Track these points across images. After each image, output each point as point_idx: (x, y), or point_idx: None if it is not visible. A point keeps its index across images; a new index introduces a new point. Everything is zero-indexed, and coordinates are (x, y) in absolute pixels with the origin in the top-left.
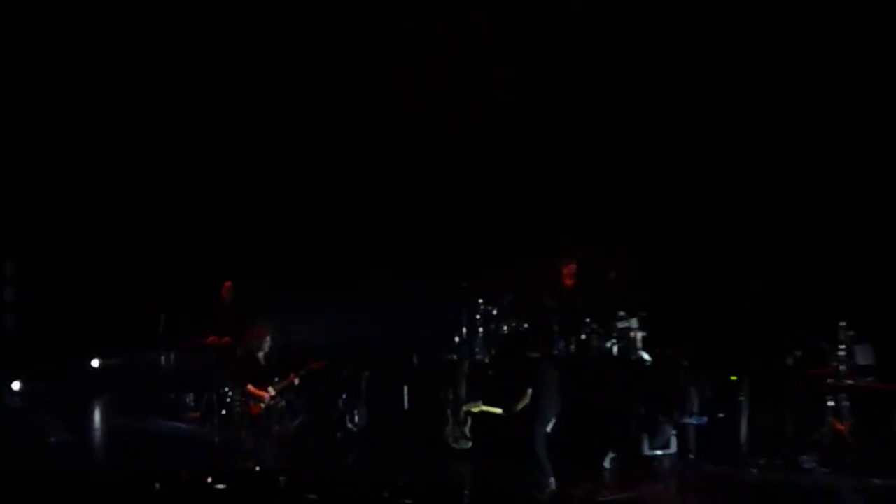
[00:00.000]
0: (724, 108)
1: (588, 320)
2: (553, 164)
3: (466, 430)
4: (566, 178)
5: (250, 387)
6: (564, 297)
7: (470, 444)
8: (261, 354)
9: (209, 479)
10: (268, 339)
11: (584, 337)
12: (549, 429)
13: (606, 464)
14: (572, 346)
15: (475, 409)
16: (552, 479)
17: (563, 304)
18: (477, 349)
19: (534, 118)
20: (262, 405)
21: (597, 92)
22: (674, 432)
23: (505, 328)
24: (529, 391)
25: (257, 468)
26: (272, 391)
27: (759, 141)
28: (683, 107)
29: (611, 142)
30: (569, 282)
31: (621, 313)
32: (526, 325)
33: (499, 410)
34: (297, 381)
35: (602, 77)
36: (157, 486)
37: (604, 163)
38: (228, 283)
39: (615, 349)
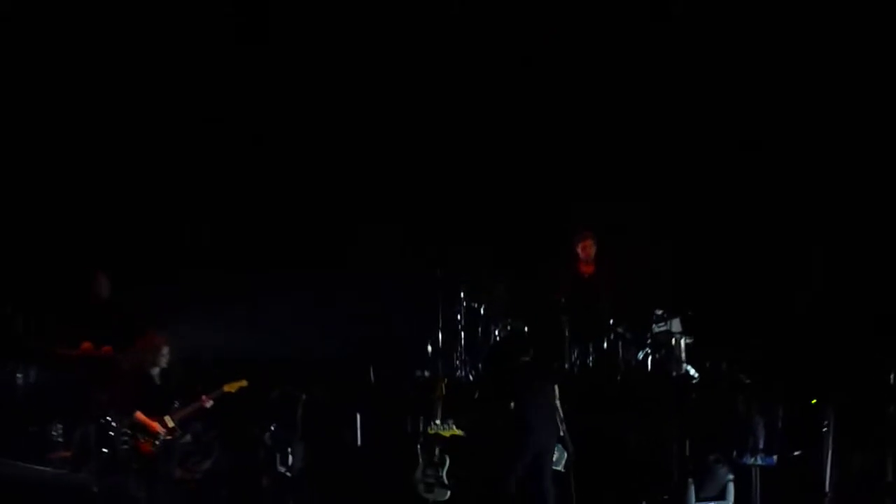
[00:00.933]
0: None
1: (612, 321)
2: (562, 114)
3: (443, 474)
4: (581, 130)
5: (139, 415)
6: (580, 289)
7: (448, 494)
8: (156, 371)
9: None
10: (165, 349)
11: (606, 344)
12: (561, 466)
13: None
14: (590, 357)
15: (431, 431)
16: None
17: (578, 298)
18: (458, 362)
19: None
20: (157, 441)
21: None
22: (731, 477)
23: (496, 332)
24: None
25: None
26: (171, 421)
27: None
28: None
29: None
30: (586, 268)
31: (659, 311)
32: (526, 329)
33: (459, 432)
34: (207, 406)
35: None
36: None
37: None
38: (99, 273)
39: (650, 361)
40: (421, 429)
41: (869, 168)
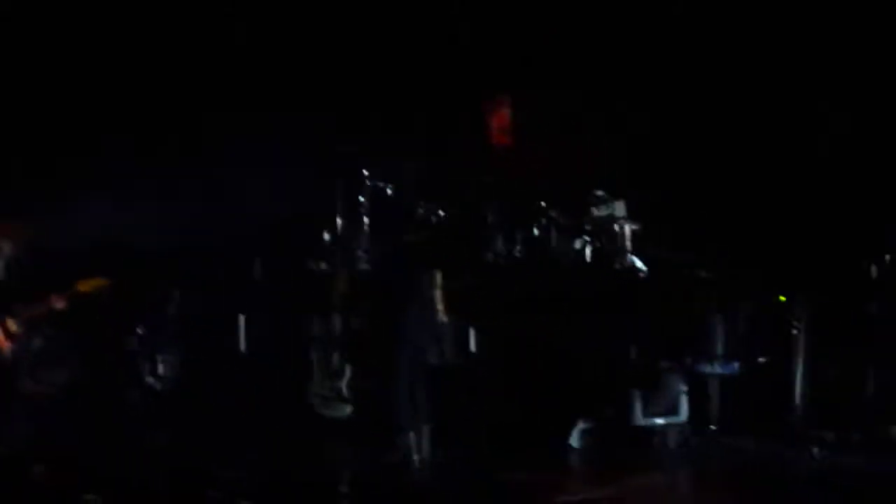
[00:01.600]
0: None
1: (543, 204)
2: None
3: (343, 385)
4: None
5: None
6: (502, 166)
7: (348, 409)
8: None
9: None
10: (7, 239)
11: (536, 232)
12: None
13: (574, 441)
14: (517, 248)
15: None
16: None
17: (501, 177)
18: (360, 253)
19: None
20: None
21: None
22: (684, 389)
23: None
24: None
25: None
26: (13, 325)
27: None
28: None
29: None
30: (502, 138)
31: (598, 193)
32: (442, 213)
33: None
34: (60, 307)
35: None
36: None
37: None
38: None
39: (588, 252)
40: (318, 333)
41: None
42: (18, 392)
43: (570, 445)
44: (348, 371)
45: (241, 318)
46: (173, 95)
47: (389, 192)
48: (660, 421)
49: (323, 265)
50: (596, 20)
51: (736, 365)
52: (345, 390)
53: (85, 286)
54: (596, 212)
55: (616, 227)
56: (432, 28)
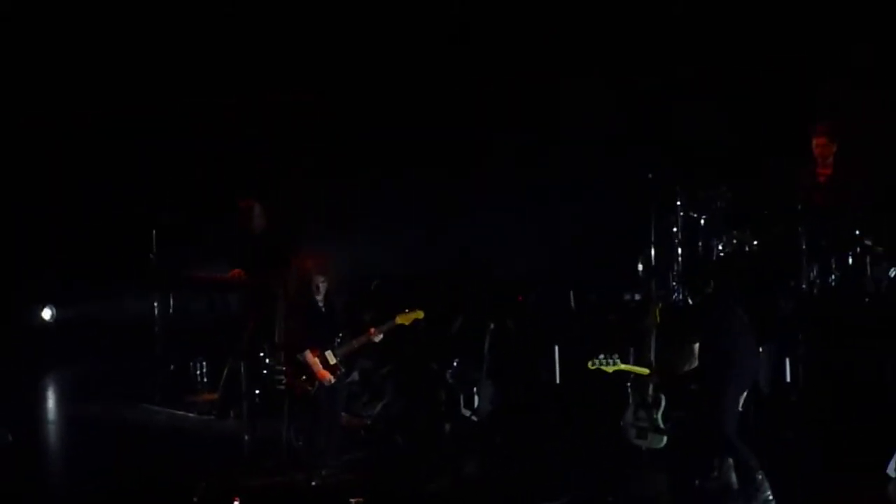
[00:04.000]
0: None
1: (858, 232)
2: None
3: (658, 416)
4: None
5: (309, 355)
6: (817, 194)
7: (664, 440)
8: (319, 299)
9: (235, 503)
10: (319, 276)
11: (851, 260)
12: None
13: (891, 471)
14: (833, 276)
15: (608, 369)
16: (760, 473)
17: (816, 204)
18: (675, 283)
19: None
20: (317, 381)
21: None
22: None
23: (720, 247)
24: (696, 347)
25: (314, 483)
26: (332, 357)
27: None
28: None
29: None
30: (822, 170)
31: None
32: (755, 243)
33: (643, 370)
34: (376, 340)
35: None
36: None
37: None
38: (254, 204)
39: None
40: (632, 362)
41: None
42: (336, 423)
43: (888, 475)
44: (663, 401)
45: (556, 349)
46: (497, 147)
47: (703, 221)
48: None
49: (637, 296)
50: None
51: None
52: (660, 421)
53: (404, 319)
54: None
55: None
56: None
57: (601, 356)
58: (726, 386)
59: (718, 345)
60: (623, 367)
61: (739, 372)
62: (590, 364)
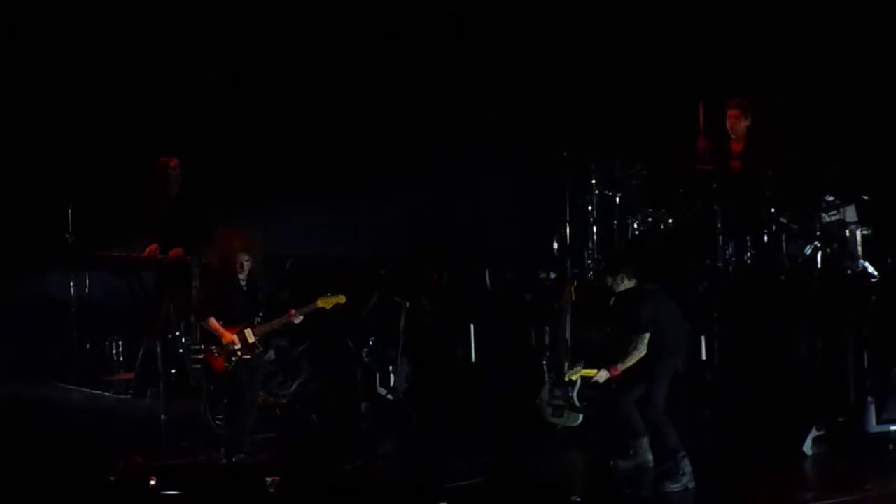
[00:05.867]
0: None
1: (773, 210)
2: None
3: (574, 395)
4: None
5: (212, 321)
6: (730, 172)
7: (580, 418)
8: (241, 277)
9: (152, 482)
10: (245, 254)
11: (766, 237)
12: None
13: (807, 448)
14: (749, 254)
15: (573, 377)
16: (682, 452)
17: (730, 182)
18: (590, 261)
19: None
20: (232, 357)
21: None
22: None
23: (636, 226)
24: (641, 339)
25: (230, 462)
26: (251, 335)
27: None
28: None
29: None
30: (735, 146)
31: (829, 198)
32: (670, 220)
33: (594, 373)
34: (296, 322)
35: None
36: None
37: None
38: (174, 161)
39: (819, 257)
40: (548, 341)
41: None
42: (253, 402)
43: (803, 452)
44: (579, 380)
45: (471, 328)
46: (404, 110)
47: (618, 199)
48: (893, 428)
49: (552, 273)
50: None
51: None
52: (575, 399)
53: (325, 303)
54: (826, 217)
55: (847, 232)
56: (657, 30)
57: (569, 368)
58: (658, 367)
59: (646, 324)
60: (583, 372)
61: (670, 353)
62: (565, 377)
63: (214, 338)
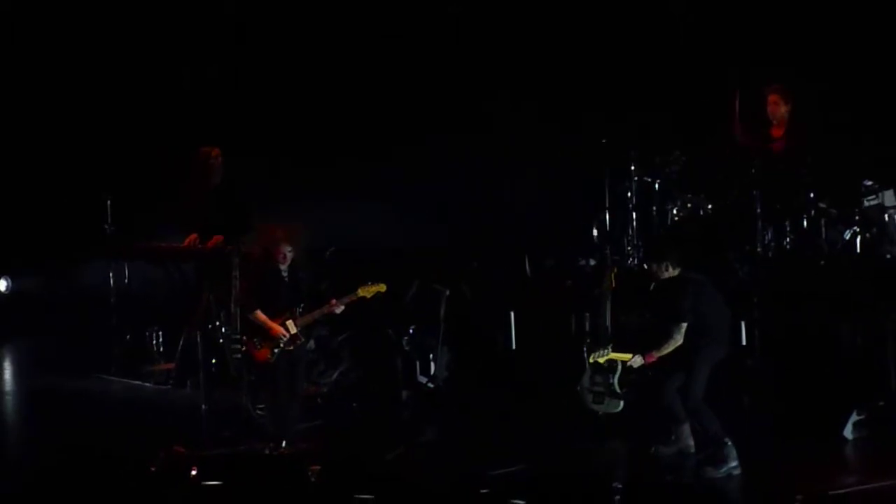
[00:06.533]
0: None
1: (812, 195)
2: None
3: (615, 382)
4: None
5: (259, 314)
6: (770, 157)
7: (621, 405)
8: (283, 268)
9: (193, 472)
10: (287, 245)
11: (806, 223)
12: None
13: (848, 433)
14: (787, 239)
15: (601, 360)
16: (728, 439)
17: (770, 167)
18: (630, 248)
19: None
20: (276, 349)
21: None
22: None
23: (675, 212)
24: (679, 328)
25: (272, 452)
26: (293, 326)
27: None
28: None
29: None
30: (775, 131)
31: (868, 182)
32: (710, 206)
33: (629, 357)
34: (337, 312)
35: None
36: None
37: None
38: (215, 151)
39: (858, 242)
40: (589, 329)
41: None
42: (294, 392)
43: (844, 437)
44: (619, 366)
45: (511, 315)
46: (445, 122)
47: (657, 185)
48: None
49: (591, 261)
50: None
51: None
52: (616, 386)
53: (366, 292)
54: (865, 202)
55: (886, 217)
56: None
57: (596, 351)
58: (699, 355)
59: (684, 314)
60: (612, 355)
61: (713, 340)
62: (590, 359)
63: (256, 328)
